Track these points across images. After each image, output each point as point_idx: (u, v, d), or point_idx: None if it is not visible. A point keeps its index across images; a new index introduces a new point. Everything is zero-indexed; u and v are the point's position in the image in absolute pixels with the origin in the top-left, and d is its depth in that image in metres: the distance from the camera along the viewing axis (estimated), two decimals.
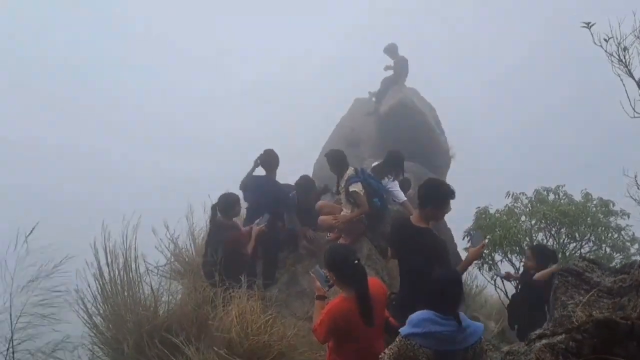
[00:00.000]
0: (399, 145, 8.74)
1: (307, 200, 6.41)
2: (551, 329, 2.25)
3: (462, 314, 3.14)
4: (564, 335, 2.11)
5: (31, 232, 3.83)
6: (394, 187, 6.74)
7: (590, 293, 2.23)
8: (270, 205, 6.03)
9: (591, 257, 6.22)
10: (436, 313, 3.09)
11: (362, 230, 6.26)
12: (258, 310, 4.46)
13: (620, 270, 2.38)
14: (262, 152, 6.34)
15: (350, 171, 5.96)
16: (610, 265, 4.90)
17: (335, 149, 6.31)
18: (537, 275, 5.17)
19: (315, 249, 6.31)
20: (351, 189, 5.77)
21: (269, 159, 6.27)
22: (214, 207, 5.47)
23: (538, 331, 2.32)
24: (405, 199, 6.83)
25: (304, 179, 6.49)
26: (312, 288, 4.20)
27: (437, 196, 4.14)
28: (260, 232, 5.64)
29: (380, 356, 3.25)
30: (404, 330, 3.14)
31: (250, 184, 6.25)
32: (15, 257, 3.78)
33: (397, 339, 3.18)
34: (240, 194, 6.01)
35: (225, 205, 5.46)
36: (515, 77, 37.17)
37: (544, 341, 2.21)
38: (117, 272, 4.59)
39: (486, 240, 5.45)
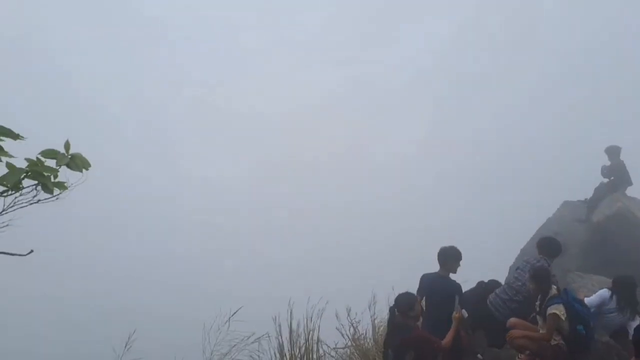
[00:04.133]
0: (613, 261, 7.70)
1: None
2: None
3: None
4: None
5: (234, 313, 4.37)
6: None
7: None
8: (439, 302, 5.83)
9: None
10: None
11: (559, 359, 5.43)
12: None
13: None
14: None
15: (553, 290, 5.30)
16: None
17: (541, 265, 5.75)
18: None
19: None
20: (550, 310, 5.11)
21: (445, 255, 6.04)
22: (392, 309, 5.34)
23: None
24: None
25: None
26: None
27: None
28: (460, 319, 5.40)
29: None
30: None
31: (424, 280, 6.11)
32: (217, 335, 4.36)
33: None
34: None
35: (404, 305, 5.27)
36: None
37: None
38: (297, 350, 4.83)
39: None
